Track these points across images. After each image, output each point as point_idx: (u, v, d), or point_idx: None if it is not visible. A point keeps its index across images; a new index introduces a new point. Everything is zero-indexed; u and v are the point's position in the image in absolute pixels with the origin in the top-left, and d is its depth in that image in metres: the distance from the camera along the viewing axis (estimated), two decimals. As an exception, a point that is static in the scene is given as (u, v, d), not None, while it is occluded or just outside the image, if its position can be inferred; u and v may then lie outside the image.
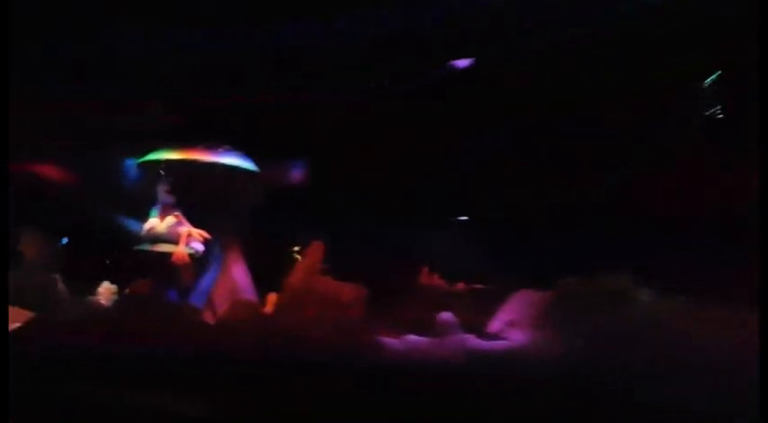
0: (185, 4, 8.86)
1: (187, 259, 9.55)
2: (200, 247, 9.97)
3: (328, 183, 10.68)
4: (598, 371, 5.16)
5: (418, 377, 5.24)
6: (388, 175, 10.48)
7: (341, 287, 6.98)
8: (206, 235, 9.76)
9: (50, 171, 10.59)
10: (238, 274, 10.84)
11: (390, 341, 6.32)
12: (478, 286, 8.36)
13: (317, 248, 7.18)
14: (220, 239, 10.30)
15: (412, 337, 6.57)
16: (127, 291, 8.98)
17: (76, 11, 8.73)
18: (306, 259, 7.12)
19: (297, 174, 10.81)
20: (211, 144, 9.91)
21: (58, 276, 9.00)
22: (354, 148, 10.43)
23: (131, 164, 10.23)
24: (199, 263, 10.00)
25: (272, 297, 9.72)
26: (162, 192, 10.00)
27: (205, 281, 10.51)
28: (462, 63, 8.90)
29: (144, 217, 10.13)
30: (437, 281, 8.62)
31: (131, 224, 10.52)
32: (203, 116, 10.08)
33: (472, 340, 6.54)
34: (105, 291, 9.85)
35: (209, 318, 8.31)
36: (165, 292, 8.75)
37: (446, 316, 6.89)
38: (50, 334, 7.83)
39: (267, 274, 10.98)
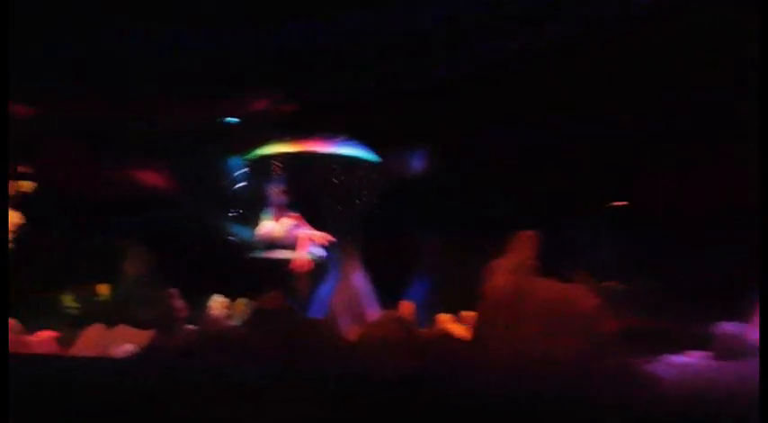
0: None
1: (310, 266, 8.36)
2: (320, 251, 8.76)
3: (456, 173, 9.27)
4: None
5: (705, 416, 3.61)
6: (529, 163, 8.94)
7: (574, 291, 5.03)
8: (329, 237, 8.53)
9: (151, 176, 9.70)
10: (358, 280, 9.54)
11: (653, 364, 4.58)
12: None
13: (526, 241, 5.42)
14: (338, 241, 9.05)
15: (680, 358, 4.80)
16: (251, 304, 7.86)
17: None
18: (512, 255, 5.38)
19: (419, 164, 9.44)
20: (327, 134, 8.68)
21: (172, 291, 7.95)
22: (486, 133, 9.02)
23: (237, 162, 9.16)
24: (319, 269, 8.81)
25: (407, 306, 8.37)
26: (274, 191, 8.87)
27: (324, 289, 9.30)
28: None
29: (253, 221, 9.05)
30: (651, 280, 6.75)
31: (240, 230, 9.49)
32: (314, 106, 8.91)
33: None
34: (217, 305, 8.76)
35: (347, 333, 7.03)
36: (293, 304, 7.55)
37: (729, 327, 5.01)
38: (168, 355, 6.77)
39: (389, 280, 9.75)
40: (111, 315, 9.21)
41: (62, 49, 8.81)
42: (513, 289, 4.84)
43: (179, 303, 7.79)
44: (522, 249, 5.11)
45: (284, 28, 8.27)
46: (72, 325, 9.31)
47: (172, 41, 8.53)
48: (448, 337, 6.73)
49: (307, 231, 8.48)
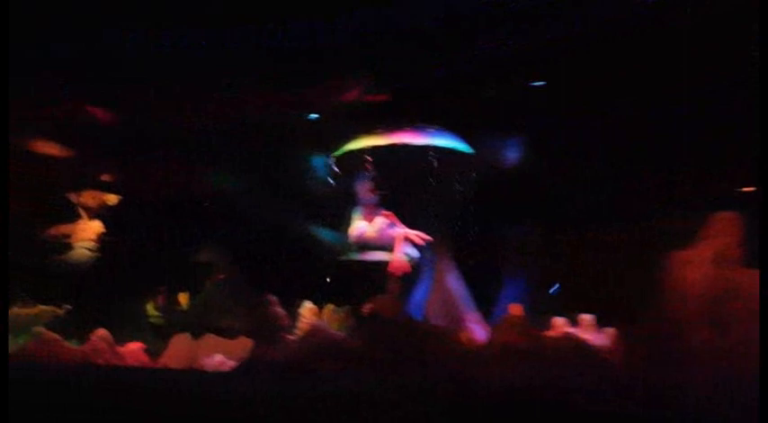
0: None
1: (407, 267, 7.72)
2: (414, 252, 8.11)
3: (555, 165, 8.47)
4: None
5: None
6: (635, 153, 8.05)
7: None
8: (426, 236, 7.86)
9: (233, 180, 9.32)
10: (452, 282, 8.86)
11: None
12: None
13: (727, 225, 4.41)
14: (433, 240, 8.37)
15: None
16: (349, 310, 7.31)
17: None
18: (709, 243, 4.39)
19: (518, 153, 8.67)
20: (419, 125, 8.02)
21: (270, 299, 7.47)
22: (589, 119, 8.19)
23: (324, 160, 8.63)
24: (415, 271, 8.16)
25: (517, 309, 7.62)
26: (363, 189, 8.29)
27: (419, 292, 8.66)
28: None
29: (343, 221, 8.50)
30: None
31: (325, 232, 8.97)
32: (403, 95, 8.29)
33: None
34: (308, 312, 8.25)
35: (467, 339, 6.37)
36: (401, 308, 6.95)
37: None
38: (273, 367, 6.27)
39: (487, 281, 9.03)
40: (196, 325, 8.92)
41: (134, 49, 8.62)
42: (715, 284, 3.96)
43: (278, 311, 7.30)
44: (721, 235, 4.19)
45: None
46: (159, 335, 9.07)
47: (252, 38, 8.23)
48: (581, 342, 5.95)
49: (402, 230, 7.84)
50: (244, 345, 7.96)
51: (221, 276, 9.80)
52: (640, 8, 7.56)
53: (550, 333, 6.80)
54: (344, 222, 8.39)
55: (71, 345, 7.52)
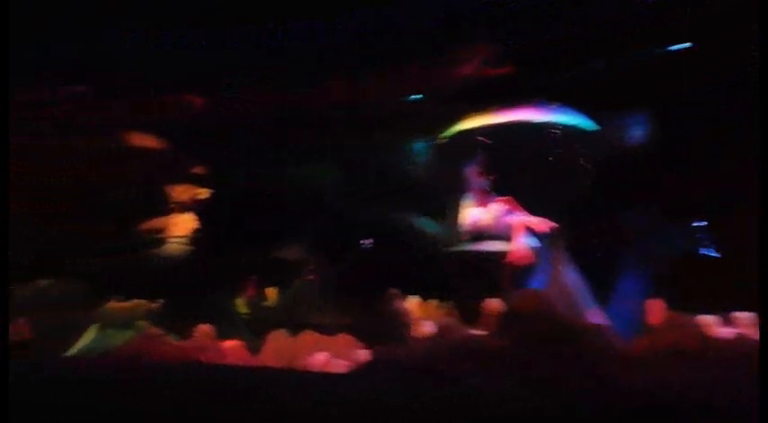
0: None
1: (529, 257, 6.97)
2: (534, 240, 7.34)
3: (688, 145, 7.50)
4: None
5: None
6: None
7: None
8: (550, 223, 7.08)
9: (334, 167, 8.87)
10: (569, 275, 8.04)
11: None
12: None
13: None
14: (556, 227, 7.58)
15: None
16: (478, 304, 6.64)
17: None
18: None
19: (643, 132, 7.77)
20: (538, 101, 7.28)
21: (388, 293, 6.92)
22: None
23: (429, 143, 8.01)
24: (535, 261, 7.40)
25: (657, 305, 6.72)
26: (473, 173, 7.61)
27: (535, 284, 7.90)
28: None
29: (453, 209, 7.84)
30: None
31: (429, 223, 8.35)
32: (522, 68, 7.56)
33: None
34: (414, 307, 7.64)
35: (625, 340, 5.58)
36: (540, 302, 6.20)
37: None
38: (392, 367, 5.69)
39: (613, 273, 8.16)
40: (289, 321, 8.53)
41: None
42: None
43: (393, 307, 6.74)
44: None
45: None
46: (254, 332, 8.75)
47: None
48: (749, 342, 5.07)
49: (522, 217, 7.10)
50: (347, 342, 7.51)
51: (313, 268, 9.41)
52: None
53: (708, 332, 5.90)
54: (453, 211, 7.75)
55: (173, 340, 7.24)
